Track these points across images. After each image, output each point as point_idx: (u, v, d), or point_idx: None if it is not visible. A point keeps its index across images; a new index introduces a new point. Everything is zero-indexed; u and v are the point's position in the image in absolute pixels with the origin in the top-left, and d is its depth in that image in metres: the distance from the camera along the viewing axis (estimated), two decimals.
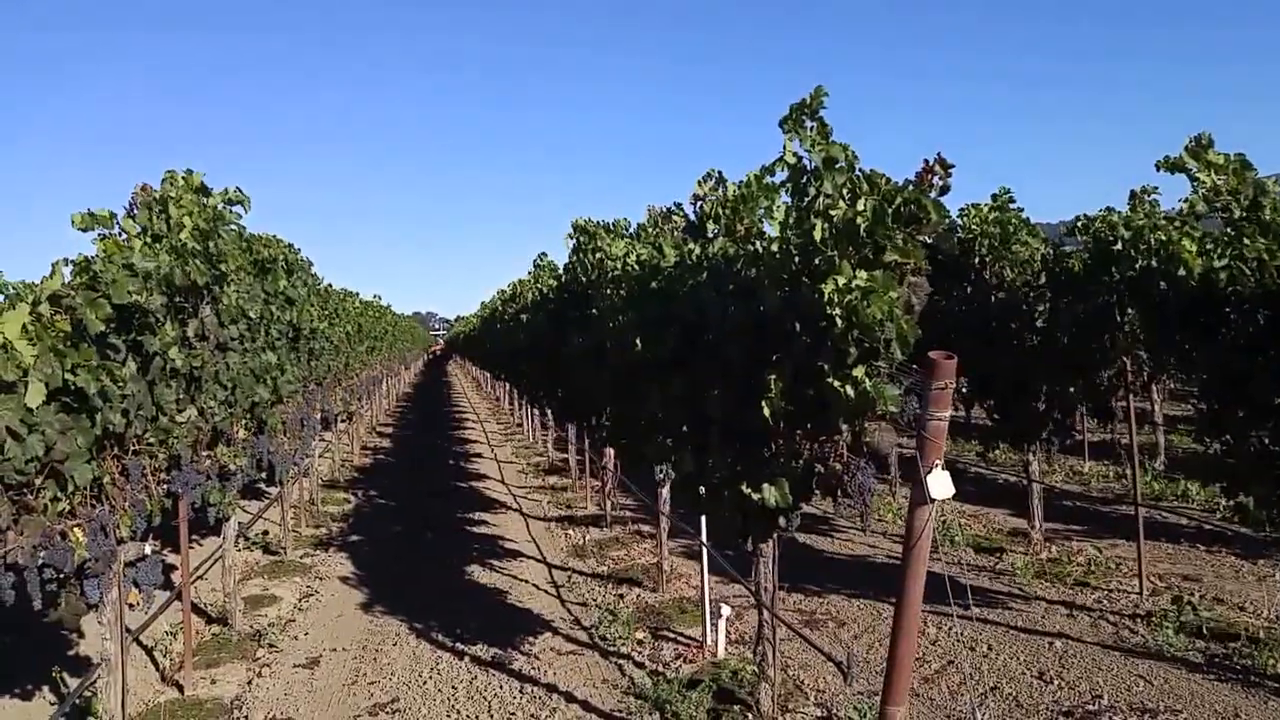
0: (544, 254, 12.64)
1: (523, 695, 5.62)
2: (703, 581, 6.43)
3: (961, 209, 8.95)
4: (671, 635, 6.64)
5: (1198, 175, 5.82)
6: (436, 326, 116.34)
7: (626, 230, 8.54)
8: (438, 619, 7.04)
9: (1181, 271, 6.04)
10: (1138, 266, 7.06)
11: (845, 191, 4.47)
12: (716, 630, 6.20)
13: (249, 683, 5.91)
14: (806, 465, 4.59)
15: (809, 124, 4.74)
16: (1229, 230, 5.80)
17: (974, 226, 8.64)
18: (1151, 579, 7.53)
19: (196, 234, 5.41)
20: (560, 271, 10.35)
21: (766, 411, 4.49)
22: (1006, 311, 7.99)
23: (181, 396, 5.06)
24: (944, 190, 4.23)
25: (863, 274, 4.06)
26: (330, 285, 15.98)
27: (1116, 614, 6.77)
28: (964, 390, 8.59)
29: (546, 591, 7.95)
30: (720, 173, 5.94)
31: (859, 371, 4.05)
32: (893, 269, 4.12)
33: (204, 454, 5.59)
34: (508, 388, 24.84)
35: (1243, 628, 6.12)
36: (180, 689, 5.74)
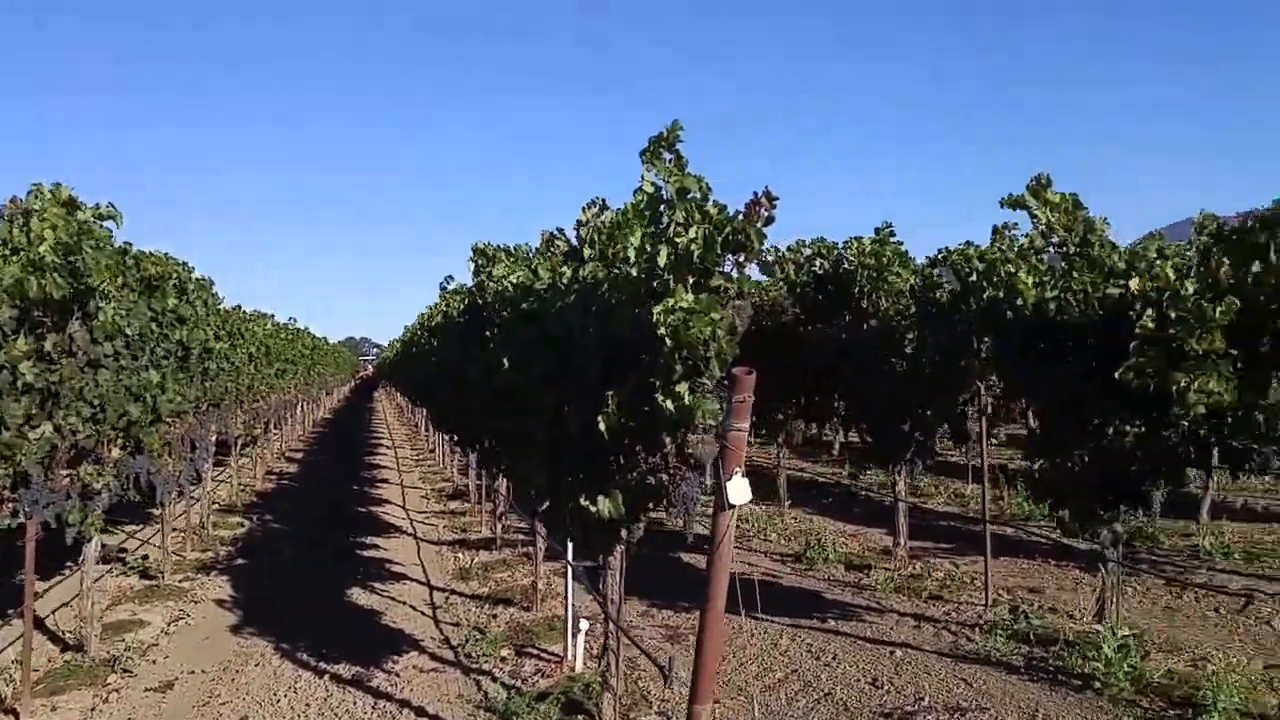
0: (450, 277, 12.78)
1: (374, 711, 5.76)
2: (566, 598, 6.66)
3: (845, 241, 9.43)
4: (536, 652, 6.84)
5: (1036, 213, 6.29)
6: (367, 351, 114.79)
7: (527, 254, 8.79)
8: (306, 639, 7.13)
9: (1019, 301, 6.48)
10: (985, 297, 7.53)
11: (681, 219, 4.79)
12: (576, 645, 6.42)
13: (92, 709, 5.85)
14: (639, 478, 4.88)
15: (667, 156, 5.07)
16: (1063, 264, 6.28)
17: (853, 259, 9.10)
18: (999, 591, 7.98)
19: (59, 248, 5.49)
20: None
21: (603, 426, 4.76)
22: (879, 339, 8.43)
23: (36, 412, 5.14)
24: (768, 221, 4.57)
25: (689, 297, 4.36)
26: (238, 306, 15.89)
27: (959, 624, 7.17)
28: (841, 414, 9.00)
29: (422, 612, 8.08)
30: (604, 200, 6.24)
31: (682, 387, 4.35)
32: (718, 293, 4.45)
33: (62, 472, 5.64)
34: (425, 414, 24.80)
35: (1064, 632, 6.54)
36: (16, 717, 5.69)
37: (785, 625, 7.32)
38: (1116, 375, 5.21)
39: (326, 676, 6.36)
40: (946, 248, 8.64)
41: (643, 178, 5.02)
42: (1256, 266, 5.08)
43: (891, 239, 8.96)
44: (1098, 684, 5.67)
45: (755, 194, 4.55)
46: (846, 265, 9.16)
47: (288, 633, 7.38)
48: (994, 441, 7.70)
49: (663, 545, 10.13)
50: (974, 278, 7.77)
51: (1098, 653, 5.81)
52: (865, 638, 6.95)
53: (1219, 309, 4.92)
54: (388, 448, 25.31)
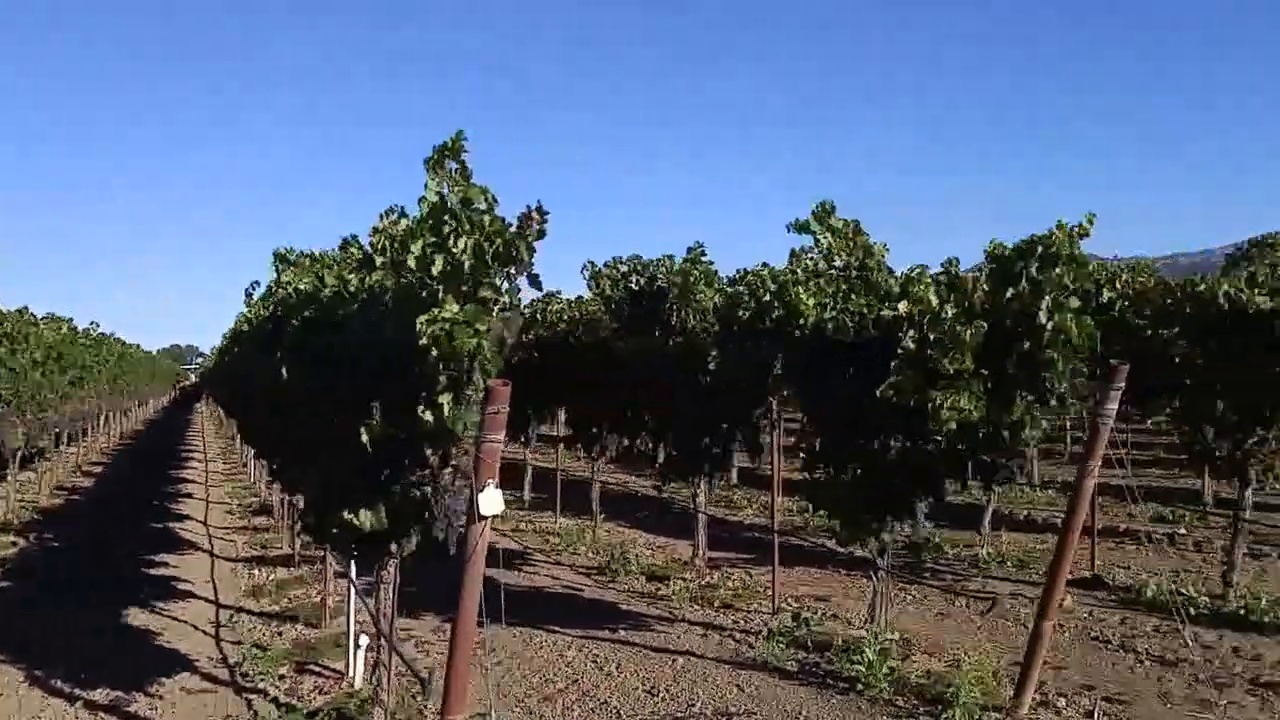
0: (256, 283, 12.30)
1: None
2: (349, 613, 6.51)
3: (656, 259, 9.60)
4: (318, 669, 6.64)
5: (820, 237, 6.57)
6: (191, 360, 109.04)
7: (335, 261, 8.53)
8: (66, 665, 6.68)
9: (802, 321, 6.74)
10: (774, 316, 7.82)
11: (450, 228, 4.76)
12: (356, 660, 6.27)
13: None
14: (403, 490, 4.82)
15: (452, 165, 5.03)
16: (843, 286, 6.57)
17: (662, 276, 9.27)
18: (789, 600, 8.26)
19: None
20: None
21: (366, 438, 4.67)
22: (683, 355, 8.61)
23: None
24: (540, 235, 4.61)
25: (453, 307, 4.34)
26: (24, 308, 14.77)
27: (745, 632, 7.38)
28: (650, 428, 9.15)
29: (205, 632, 7.71)
30: (403, 208, 6.13)
31: (445, 399, 4.32)
32: (485, 305, 4.44)
33: None
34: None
35: (840, 638, 6.83)
36: None
37: (576, 637, 7.36)
38: (878, 393, 5.51)
39: (79, 703, 5.97)
40: (745, 269, 8.90)
41: (426, 186, 4.98)
42: (1009, 292, 5.47)
43: (702, 259, 9.20)
44: (860, 686, 5.94)
45: (528, 207, 4.58)
46: (660, 283, 9.35)
47: (47, 659, 6.88)
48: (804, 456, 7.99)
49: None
50: (767, 298, 8.04)
51: (861, 656, 6.08)
52: (652, 647, 7.06)
53: (969, 332, 5.28)
54: (199, 461, 24.12)
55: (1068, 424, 16.40)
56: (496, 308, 4.41)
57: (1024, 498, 13.53)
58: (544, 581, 9.45)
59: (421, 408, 4.37)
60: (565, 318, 11.16)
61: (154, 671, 6.54)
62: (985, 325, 5.27)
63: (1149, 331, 8.30)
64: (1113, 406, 5.04)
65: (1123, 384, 5.03)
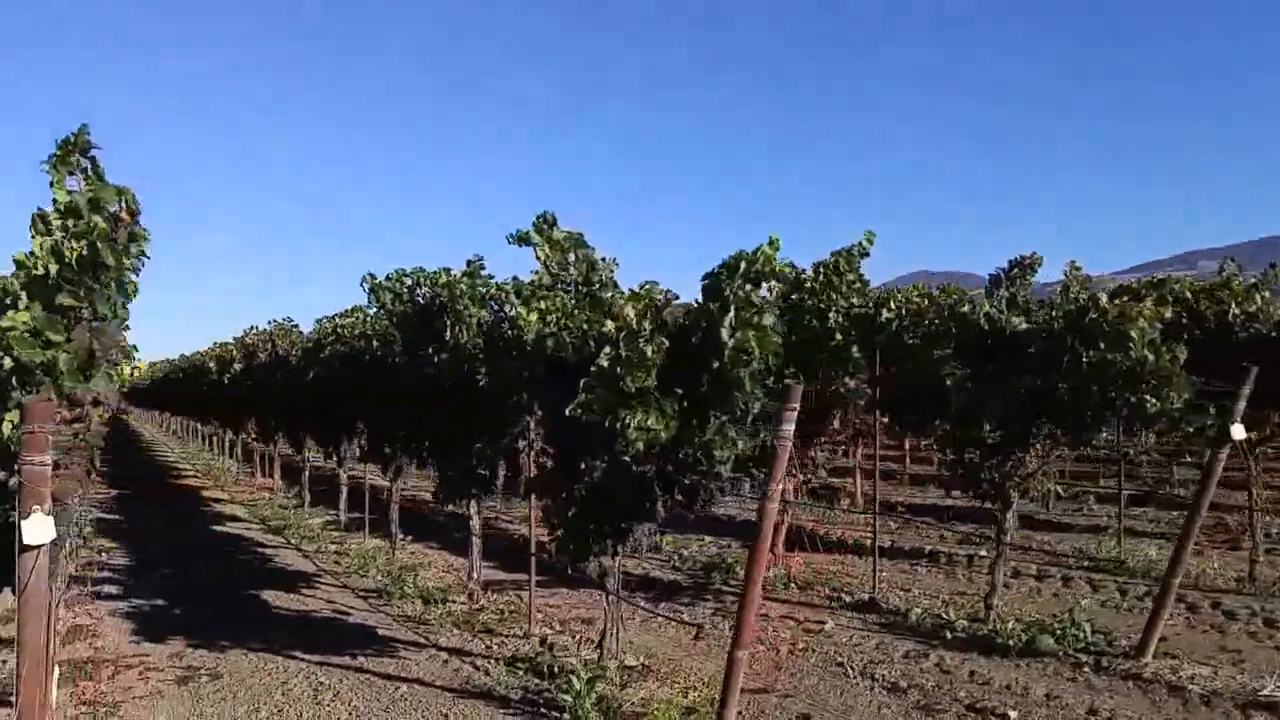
0: None
1: None
2: None
3: (434, 271, 9.28)
4: None
5: (539, 250, 6.36)
6: None
7: None
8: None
9: (527, 337, 6.53)
10: (509, 334, 7.57)
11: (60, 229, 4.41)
12: None
13: None
14: None
15: (83, 161, 4.68)
16: (571, 301, 6.37)
17: (441, 289, 8.96)
18: (555, 624, 8.02)
19: None
20: None
21: None
22: (451, 372, 8.31)
23: None
24: (131, 238, 4.30)
25: (24, 315, 3.99)
26: None
27: (492, 658, 7.10)
28: (386, 450, 8.83)
29: None
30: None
31: (11, 416, 3.96)
32: (63, 312, 4.11)
33: None
34: None
35: (576, 665, 6.57)
36: None
37: (312, 663, 7.00)
38: (566, 411, 5.30)
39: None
40: (500, 283, 8.68)
41: (52, 185, 4.63)
42: (692, 309, 5.33)
43: (481, 272, 8.92)
44: (565, 716, 5.71)
45: (119, 207, 4.28)
46: (440, 297, 9.05)
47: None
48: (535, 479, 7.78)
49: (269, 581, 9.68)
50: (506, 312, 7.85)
51: (569, 684, 5.85)
52: (384, 674, 6.74)
53: (650, 348, 5.11)
54: None
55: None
56: (83, 318, 4.09)
57: (841, 517, 13.56)
58: (317, 605, 9.05)
59: None
60: (362, 332, 10.78)
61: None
62: (665, 342, 5.11)
63: (923, 352, 8.30)
64: (789, 428, 4.90)
65: (797, 404, 4.90)
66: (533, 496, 7.39)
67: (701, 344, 5.19)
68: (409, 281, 9.41)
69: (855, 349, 8.74)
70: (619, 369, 5.22)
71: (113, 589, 9.64)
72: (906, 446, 19.19)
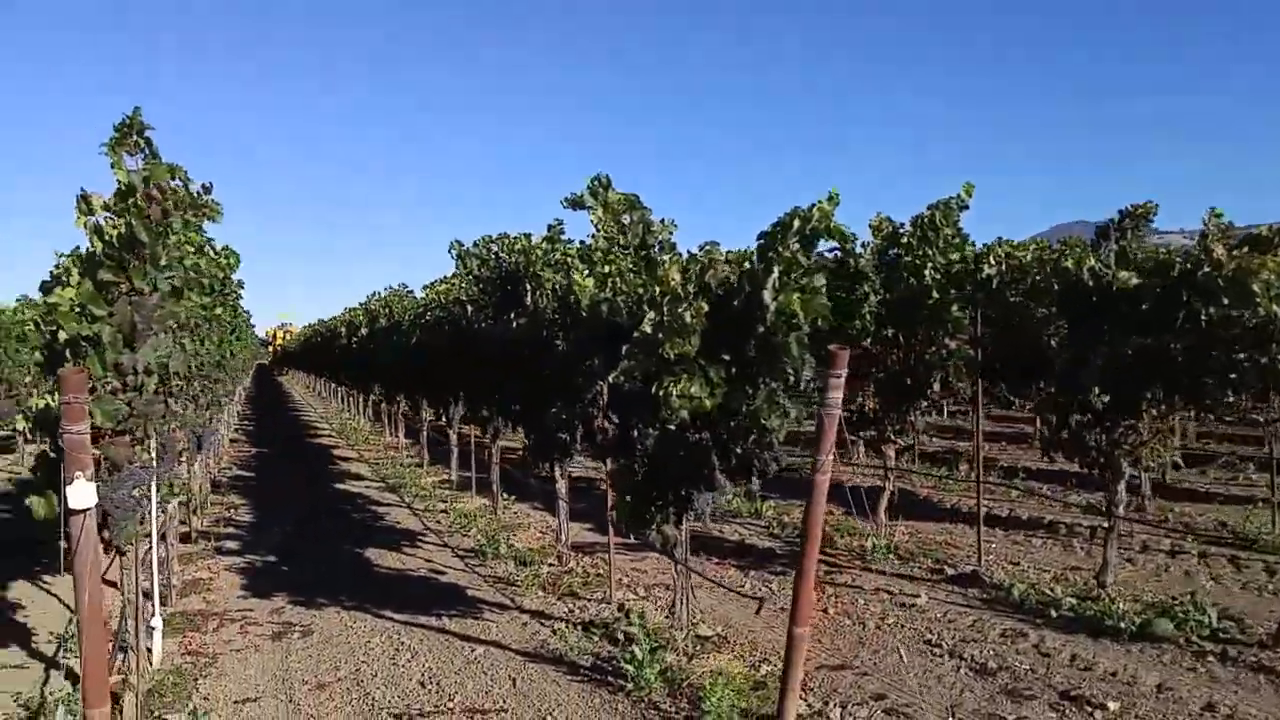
0: None
1: None
2: None
3: (515, 237, 9.31)
4: None
5: (595, 212, 6.25)
6: None
7: None
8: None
9: (583, 303, 6.45)
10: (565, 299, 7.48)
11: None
12: None
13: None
14: None
15: (140, 142, 4.84)
16: (623, 265, 6.25)
17: (517, 257, 9.00)
18: (639, 589, 8.00)
19: None
20: None
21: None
22: (530, 338, 8.34)
23: None
24: (164, 215, 4.40)
25: (70, 292, 4.15)
26: None
27: (571, 622, 7.11)
28: (484, 413, 8.90)
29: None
30: None
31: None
32: (103, 289, 4.25)
33: None
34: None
35: (640, 634, 6.52)
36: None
37: (397, 622, 7.21)
38: (610, 379, 5.20)
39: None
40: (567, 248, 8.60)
41: (113, 167, 4.79)
42: (738, 271, 5.11)
43: (562, 237, 8.89)
44: (629, 685, 5.67)
45: (155, 188, 4.37)
46: (519, 263, 9.07)
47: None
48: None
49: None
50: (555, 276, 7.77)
51: (631, 654, 5.80)
52: (463, 635, 6.86)
53: (689, 313, 4.94)
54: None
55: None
56: (123, 293, 4.21)
57: (939, 483, 13.05)
58: (415, 564, 9.30)
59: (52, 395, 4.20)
60: (456, 298, 10.94)
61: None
62: (706, 306, 4.92)
63: (1025, 310, 7.81)
64: (836, 395, 4.64)
65: (843, 371, 4.63)
66: (606, 461, 7.34)
67: (744, 308, 4.98)
68: (495, 248, 9.48)
69: (955, 307, 8.30)
70: (660, 334, 5.08)
71: (233, 544, 10.16)
72: None
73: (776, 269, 4.86)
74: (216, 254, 9.35)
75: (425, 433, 16.40)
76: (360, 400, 27.00)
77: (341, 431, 24.50)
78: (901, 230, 8.86)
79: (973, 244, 9.48)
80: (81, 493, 3.77)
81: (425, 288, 13.51)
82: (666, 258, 6.17)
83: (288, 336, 70.08)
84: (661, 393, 5.01)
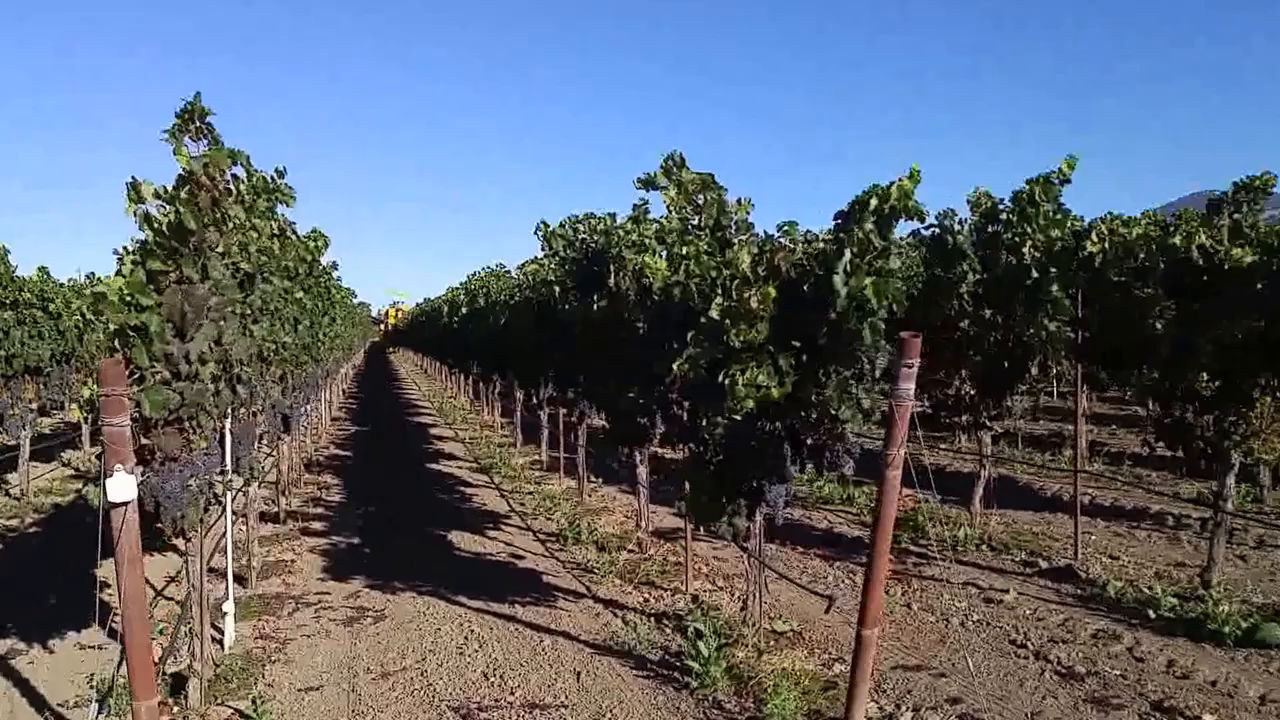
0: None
1: None
2: None
3: (600, 217, 9.14)
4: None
5: (668, 192, 6.01)
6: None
7: None
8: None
9: (655, 286, 6.23)
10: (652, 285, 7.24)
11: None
12: None
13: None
14: None
15: (201, 128, 4.83)
16: (696, 247, 6.00)
17: (596, 241, 8.84)
18: (718, 579, 7.79)
19: None
20: None
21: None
22: (610, 321, 8.17)
23: None
24: (214, 202, 4.34)
25: (118, 282, 4.14)
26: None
27: (644, 613, 6.96)
28: (569, 394, 8.76)
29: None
30: None
31: None
32: (154, 277, 4.22)
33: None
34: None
35: (706, 630, 6.30)
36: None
37: (470, 609, 7.17)
38: (674, 367, 4.98)
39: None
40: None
41: (175, 152, 4.78)
42: (807, 253, 4.81)
43: (646, 218, 8.67)
44: (694, 682, 5.48)
45: (198, 177, 4.30)
46: (602, 244, 8.91)
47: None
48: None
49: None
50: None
51: (697, 651, 5.61)
52: (534, 624, 6.78)
53: (754, 298, 4.67)
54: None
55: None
56: (172, 282, 4.17)
57: (1061, 472, 12.36)
58: (496, 548, 9.28)
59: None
60: (543, 279, 10.83)
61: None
62: (773, 292, 4.64)
63: (1130, 290, 7.27)
64: (908, 386, 4.33)
65: (916, 360, 4.31)
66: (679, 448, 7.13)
67: (815, 293, 4.69)
68: (582, 229, 9.33)
69: (1054, 287, 7.78)
70: (727, 321, 4.82)
71: (320, 525, 10.32)
72: None
73: (848, 251, 4.56)
74: (301, 238, 9.43)
75: (519, 413, 16.47)
76: (461, 379, 27.39)
77: (441, 410, 24.89)
78: (1001, 206, 8.37)
79: (1079, 218, 8.90)
80: (121, 485, 3.74)
81: (518, 268, 13.52)
82: (741, 239, 5.90)
83: (399, 314, 71.42)
84: (727, 382, 4.76)
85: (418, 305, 51.47)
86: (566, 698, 5.45)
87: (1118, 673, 5.67)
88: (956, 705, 5.22)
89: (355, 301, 27.63)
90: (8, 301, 11.25)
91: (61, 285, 13.45)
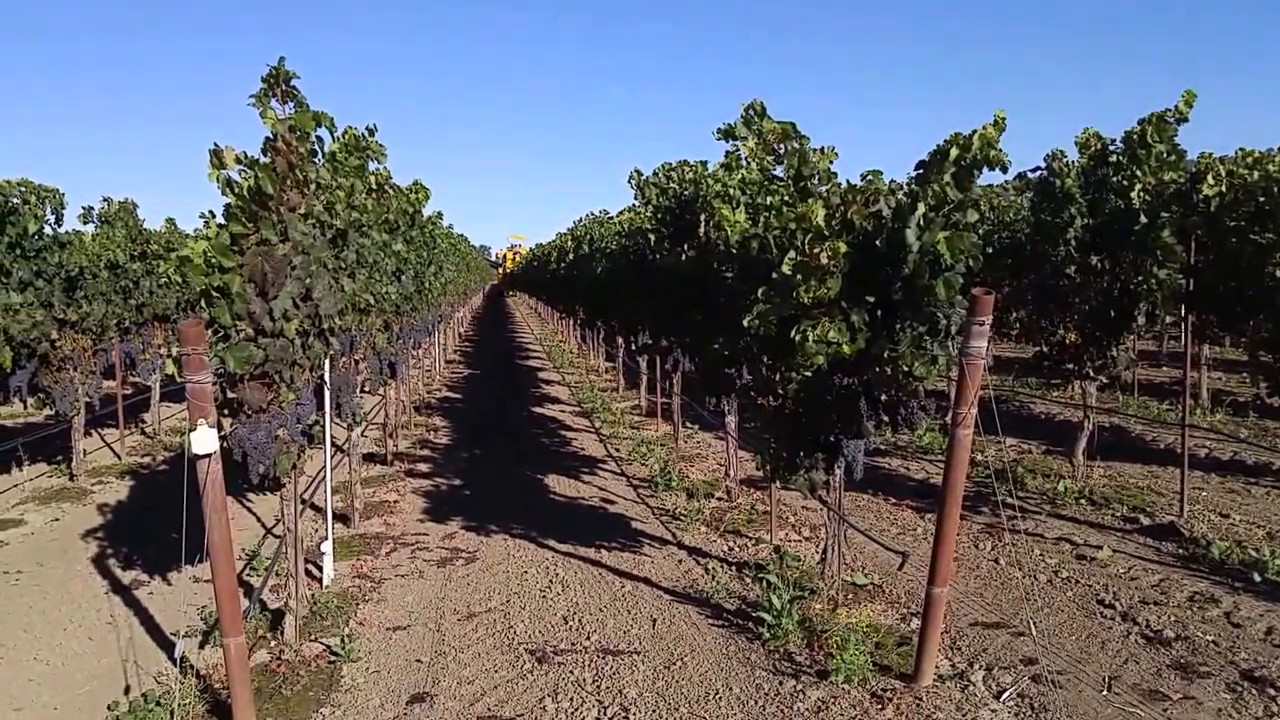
0: None
1: None
2: None
3: (692, 165, 9.06)
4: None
5: (747, 143, 5.92)
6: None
7: None
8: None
9: (735, 236, 6.18)
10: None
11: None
12: None
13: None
14: None
15: (286, 91, 5.01)
16: (777, 197, 5.93)
17: (685, 190, 8.77)
18: (804, 528, 7.80)
19: None
20: None
21: None
22: (698, 271, 8.15)
23: None
24: (290, 168, 4.48)
25: (201, 245, 4.35)
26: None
27: (727, 561, 7.02)
28: (664, 342, 8.78)
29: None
30: None
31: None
32: (235, 239, 4.42)
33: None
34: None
35: (798, 577, 6.31)
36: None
37: (558, 553, 7.37)
38: (744, 323, 4.95)
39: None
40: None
41: (262, 115, 4.96)
42: (880, 207, 4.69)
43: (739, 165, 8.55)
44: (766, 634, 5.53)
45: (278, 153, 4.45)
46: (695, 192, 8.84)
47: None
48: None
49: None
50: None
51: (769, 603, 5.64)
52: (617, 570, 6.93)
53: (825, 254, 4.59)
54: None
55: None
56: (253, 244, 4.35)
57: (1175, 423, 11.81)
58: (590, 492, 9.48)
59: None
60: (637, 227, 10.83)
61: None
62: (844, 246, 4.55)
63: (1248, 235, 6.84)
64: (979, 344, 4.24)
65: (988, 317, 4.20)
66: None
67: (888, 247, 4.57)
68: (674, 177, 9.28)
69: (1165, 232, 7.38)
70: (798, 276, 4.76)
71: (425, 467, 10.72)
72: None
73: (922, 204, 4.42)
74: (401, 190, 9.66)
75: (621, 358, 16.65)
76: (569, 324, 27.78)
77: (550, 354, 25.35)
78: (1112, 148, 7.95)
79: (1205, 155, 8.39)
80: (204, 438, 3.96)
81: (618, 214, 13.57)
82: (823, 190, 5.78)
83: (516, 258, 72.30)
84: (798, 338, 4.72)
85: (531, 250, 52.16)
86: (640, 644, 5.57)
87: (1210, 638, 5.46)
88: (1031, 666, 5.12)
89: (476, 245, 28.23)
90: (137, 254, 11.91)
91: (188, 236, 14.12)
